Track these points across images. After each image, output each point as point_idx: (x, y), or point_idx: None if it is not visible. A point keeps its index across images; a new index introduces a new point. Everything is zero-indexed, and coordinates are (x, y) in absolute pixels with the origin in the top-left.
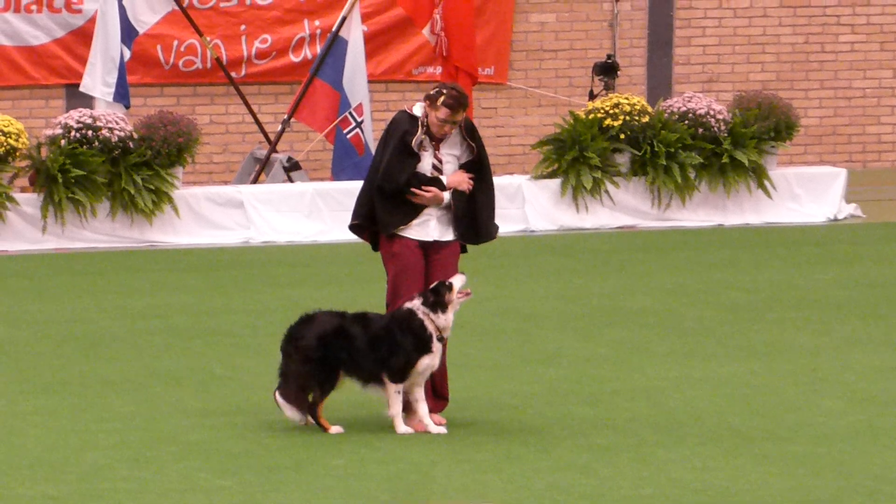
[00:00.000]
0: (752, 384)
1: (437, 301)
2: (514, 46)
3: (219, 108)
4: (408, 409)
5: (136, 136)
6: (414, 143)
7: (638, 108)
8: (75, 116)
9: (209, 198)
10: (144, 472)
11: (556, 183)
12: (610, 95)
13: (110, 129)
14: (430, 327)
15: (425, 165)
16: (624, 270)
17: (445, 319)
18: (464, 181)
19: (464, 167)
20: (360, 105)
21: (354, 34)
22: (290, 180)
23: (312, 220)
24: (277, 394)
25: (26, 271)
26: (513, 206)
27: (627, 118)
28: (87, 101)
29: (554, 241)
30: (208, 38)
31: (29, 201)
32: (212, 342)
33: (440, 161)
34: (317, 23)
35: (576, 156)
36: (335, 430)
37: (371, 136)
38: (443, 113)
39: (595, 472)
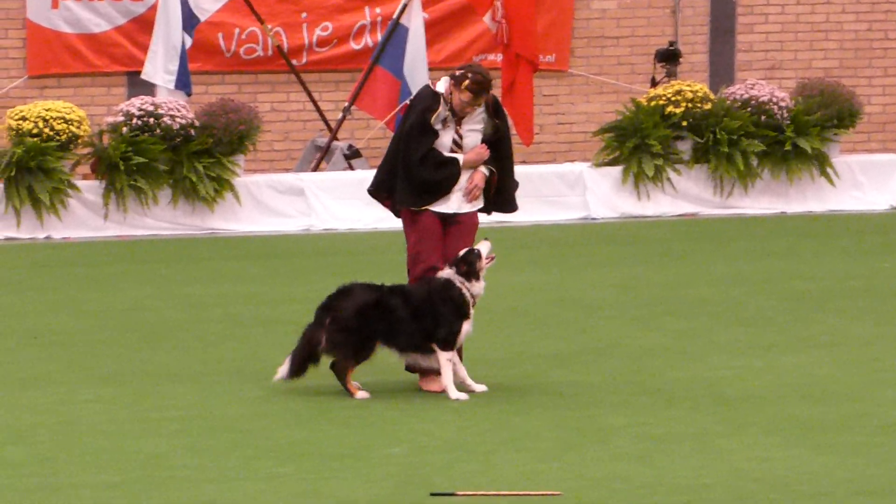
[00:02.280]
0: (813, 374)
1: (470, 270)
2: (575, 33)
3: (280, 95)
4: (424, 373)
5: (197, 123)
6: (434, 120)
7: (700, 95)
8: (137, 104)
9: (270, 185)
10: (203, 459)
11: (617, 170)
12: (672, 83)
13: (172, 117)
14: (467, 295)
15: (445, 141)
16: (685, 259)
17: (480, 286)
18: (483, 154)
19: (486, 142)
20: None
21: (415, 21)
22: (351, 168)
23: (372, 207)
24: (288, 359)
25: (87, 259)
26: (573, 193)
27: (689, 105)
28: (149, 88)
29: (615, 229)
30: (269, 26)
31: (91, 189)
32: (272, 331)
33: (460, 136)
34: (378, 10)
35: (637, 143)
36: (362, 395)
37: None
38: (466, 96)
39: (654, 461)
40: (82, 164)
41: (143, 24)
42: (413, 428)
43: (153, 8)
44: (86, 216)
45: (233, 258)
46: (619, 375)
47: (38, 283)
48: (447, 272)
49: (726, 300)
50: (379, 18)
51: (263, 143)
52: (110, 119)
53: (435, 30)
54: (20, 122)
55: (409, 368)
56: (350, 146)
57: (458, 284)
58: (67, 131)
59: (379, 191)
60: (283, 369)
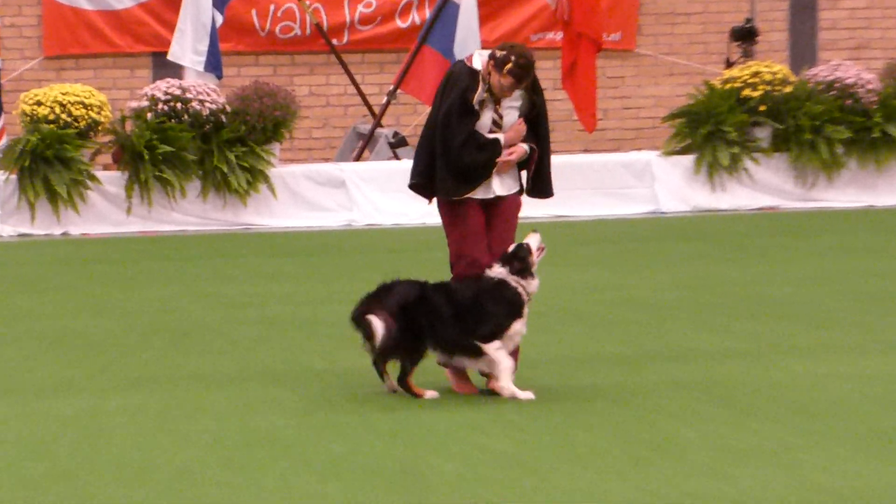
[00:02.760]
0: None
1: (524, 267)
2: (642, 10)
3: (319, 78)
4: (461, 374)
5: (228, 109)
6: (475, 100)
7: (780, 77)
8: (163, 87)
9: (308, 176)
10: (239, 475)
11: (689, 159)
12: (749, 63)
13: (201, 102)
14: (522, 293)
15: (485, 121)
16: (764, 256)
17: (535, 284)
18: (521, 130)
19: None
20: None
21: None
22: (397, 157)
23: (420, 200)
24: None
25: (110, 256)
26: (641, 184)
27: (768, 88)
28: (176, 70)
29: (686, 224)
30: (308, 2)
31: (112, 180)
32: (311, 334)
33: (500, 116)
34: None
35: (711, 130)
36: (431, 394)
37: None
38: (507, 81)
39: (732, 478)
40: (103, 153)
41: (169, 1)
42: (465, 440)
43: None
44: (107, 210)
45: (268, 255)
46: (690, 383)
47: (56, 283)
48: (500, 270)
49: (808, 301)
50: None
51: (301, 131)
52: (134, 104)
53: (489, 6)
54: (35, 107)
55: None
56: (395, 133)
57: (514, 284)
58: (87, 117)
59: (421, 183)
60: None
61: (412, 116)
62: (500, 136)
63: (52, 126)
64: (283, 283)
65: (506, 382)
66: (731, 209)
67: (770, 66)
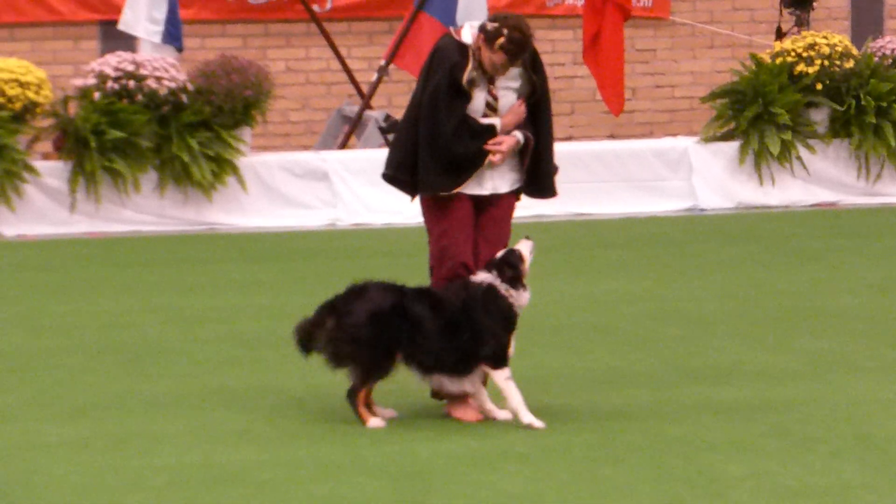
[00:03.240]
0: None
1: (516, 276)
2: None
3: (297, 51)
4: (452, 399)
5: (190, 87)
6: (465, 79)
7: (839, 50)
8: (113, 62)
9: (285, 167)
10: None
11: (732, 147)
12: (803, 34)
13: (157, 79)
14: (515, 305)
15: (478, 104)
16: (821, 261)
17: (525, 297)
18: (520, 113)
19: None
20: None
21: None
22: (388, 144)
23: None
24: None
25: (50, 262)
26: (676, 176)
27: (826, 63)
28: (129, 42)
29: (729, 223)
30: None
31: (54, 171)
32: (288, 354)
33: (495, 98)
34: None
35: (759, 112)
36: (374, 423)
37: None
38: (499, 58)
39: None
40: (42, 139)
41: None
42: (470, 479)
43: None
44: (47, 207)
45: (237, 261)
46: (735, 409)
47: None
48: (487, 276)
49: (874, 313)
50: None
51: (276, 113)
52: (79, 82)
53: None
54: None
55: (436, 394)
56: (387, 116)
57: (504, 292)
58: (23, 97)
59: (399, 174)
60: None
61: (407, 96)
62: (497, 122)
63: None
64: (256, 294)
65: (522, 414)
66: (782, 205)
67: (828, 37)
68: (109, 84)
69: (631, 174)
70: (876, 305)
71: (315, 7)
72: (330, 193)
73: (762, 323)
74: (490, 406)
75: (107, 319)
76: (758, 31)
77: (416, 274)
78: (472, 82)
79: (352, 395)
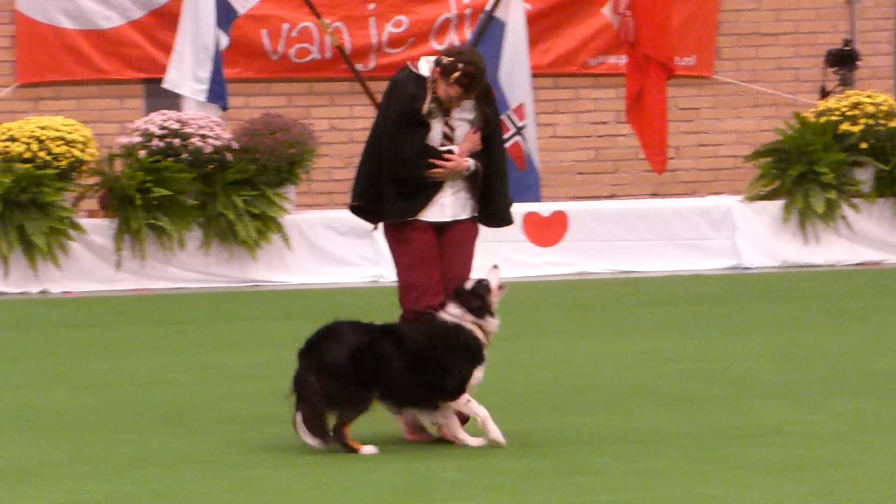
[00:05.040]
0: None
1: (483, 305)
2: (721, 29)
3: (341, 110)
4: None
5: (235, 145)
6: (424, 110)
7: (884, 109)
8: (158, 121)
9: (328, 225)
10: None
11: (776, 206)
12: (847, 93)
13: (202, 137)
14: (481, 336)
15: (435, 134)
16: (865, 321)
17: (494, 323)
18: (476, 140)
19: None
20: (520, 106)
21: (514, 14)
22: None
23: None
24: (298, 416)
25: (95, 319)
26: (719, 235)
27: (870, 122)
28: (173, 100)
29: (773, 282)
30: (328, 21)
31: (99, 229)
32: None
33: (451, 129)
34: (466, 0)
35: (803, 171)
36: (368, 450)
37: (535, 145)
38: (454, 90)
39: None
40: (88, 197)
41: (165, 19)
42: None
43: None
44: (92, 264)
45: (280, 318)
46: (779, 470)
47: (31, 350)
48: (454, 310)
49: None
50: (468, 11)
51: (320, 172)
52: (124, 140)
53: (540, 25)
54: (8, 143)
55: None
56: None
57: (470, 327)
58: (69, 155)
59: (363, 202)
60: (314, 442)
61: None
62: (455, 149)
63: (27, 166)
64: None
65: (491, 429)
66: (827, 264)
67: (873, 96)
68: (154, 142)
69: (674, 232)
70: None
71: (359, 66)
72: (373, 251)
73: (805, 383)
74: (462, 435)
75: (150, 377)
76: (802, 90)
77: None
78: (429, 113)
79: (338, 432)
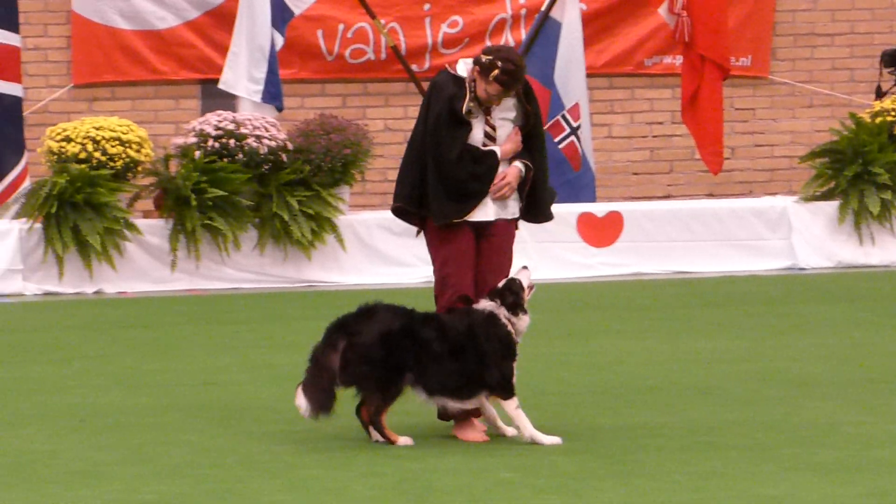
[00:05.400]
0: None
1: (517, 302)
2: (777, 30)
3: (396, 110)
4: (458, 419)
5: (290, 146)
6: (464, 109)
7: None
8: (213, 121)
9: (383, 225)
10: None
11: (832, 206)
12: None
13: (257, 138)
14: (513, 333)
15: (476, 134)
16: None
17: (525, 322)
18: (518, 141)
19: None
20: (575, 106)
21: (570, 14)
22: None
23: (514, 253)
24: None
25: (149, 320)
26: (775, 235)
27: None
28: (229, 101)
29: (829, 282)
30: (383, 21)
31: (154, 229)
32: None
33: (493, 128)
34: (521, 0)
35: (858, 171)
36: (404, 441)
37: (590, 145)
38: (494, 88)
39: None
40: (143, 198)
41: (220, 19)
42: None
43: None
44: (147, 265)
45: (334, 318)
46: (834, 470)
47: (85, 351)
48: (489, 304)
49: None
50: (523, 11)
51: (374, 172)
52: (179, 140)
53: (595, 25)
54: (63, 143)
55: (442, 416)
56: None
57: (504, 320)
58: (124, 156)
59: (409, 206)
60: (304, 405)
61: None
62: (497, 149)
63: (83, 166)
64: None
65: (540, 438)
66: (883, 265)
67: None
68: (210, 143)
69: (730, 233)
70: None
71: (413, 66)
72: (427, 251)
73: (861, 383)
74: (500, 423)
75: (204, 377)
76: (857, 91)
77: None
78: (469, 112)
79: (375, 421)
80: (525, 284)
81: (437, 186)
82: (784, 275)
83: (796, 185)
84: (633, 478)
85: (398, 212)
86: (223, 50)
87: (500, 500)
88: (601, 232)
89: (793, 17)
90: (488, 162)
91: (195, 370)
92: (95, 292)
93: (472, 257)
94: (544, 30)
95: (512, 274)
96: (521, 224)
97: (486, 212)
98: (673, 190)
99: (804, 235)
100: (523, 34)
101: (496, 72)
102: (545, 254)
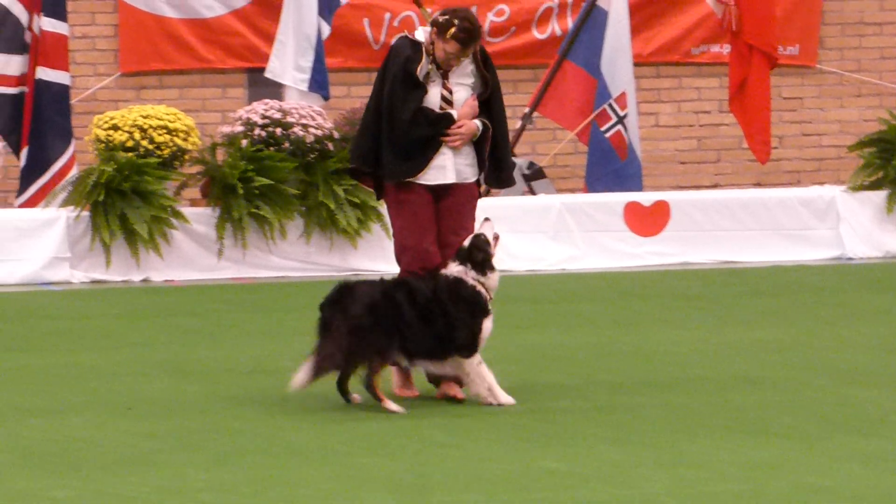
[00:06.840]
0: None
1: (486, 258)
2: (825, 18)
3: None
4: (405, 375)
5: (336, 135)
6: (419, 71)
7: None
8: (260, 110)
9: None
10: None
11: (880, 196)
12: None
13: (304, 127)
14: (483, 291)
15: (433, 98)
16: None
17: (495, 279)
18: (474, 106)
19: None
20: (622, 95)
21: (616, 3)
22: (532, 192)
23: (560, 242)
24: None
25: (197, 307)
26: (823, 225)
27: None
28: (275, 90)
29: (877, 272)
30: (429, 10)
31: (201, 218)
32: (429, 399)
33: (450, 91)
34: None
35: None
36: (393, 406)
37: (637, 134)
38: (452, 46)
39: None
40: (190, 186)
41: (267, 8)
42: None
43: None
44: (194, 253)
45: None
46: (884, 460)
47: (133, 339)
48: (456, 268)
49: None
50: (570, 0)
51: None
52: (226, 129)
53: (642, 14)
54: (111, 132)
55: (431, 379)
56: (531, 164)
57: (472, 282)
58: (171, 144)
59: (362, 166)
60: (303, 377)
61: (551, 144)
62: (453, 112)
63: (130, 154)
64: None
65: (499, 395)
66: None
67: None
68: (256, 131)
69: (778, 222)
70: None
71: None
72: None
73: None
74: (497, 389)
75: (251, 365)
76: None
77: (559, 320)
78: (426, 76)
79: (368, 384)
80: (490, 237)
81: (390, 147)
82: (832, 264)
83: (844, 174)
84: (680, 467)
85: (353, 173)
86: (270, 39)
87: (545, 490)
88: (648, 221)
89: (841, 5)
90: (444, 124)
91: (242, 358)
92: (142, 280)
93: (431, 220)
94: (591, 18)
95: (476, 229)
96: (568, 213)
97: (444, 174)
98: (720, 179)
99: (852, 225)
100: (570, 23)
101: (453, 29)
102: (592, 243)
